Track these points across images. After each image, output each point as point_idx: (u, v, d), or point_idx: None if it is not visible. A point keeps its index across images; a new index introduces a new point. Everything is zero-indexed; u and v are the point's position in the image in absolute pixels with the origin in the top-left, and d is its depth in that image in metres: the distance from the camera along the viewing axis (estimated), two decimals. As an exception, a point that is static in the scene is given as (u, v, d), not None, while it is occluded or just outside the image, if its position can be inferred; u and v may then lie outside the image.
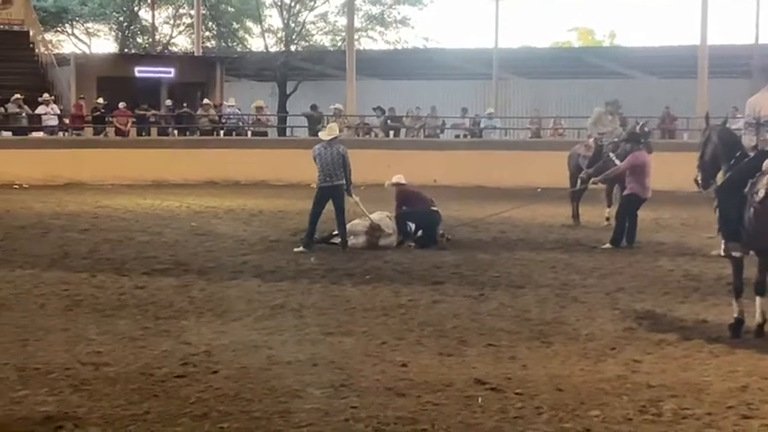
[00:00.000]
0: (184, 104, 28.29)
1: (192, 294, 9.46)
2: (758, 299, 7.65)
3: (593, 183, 14.92)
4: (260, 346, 7.28)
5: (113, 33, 43.32)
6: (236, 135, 27.26)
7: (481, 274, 10.77)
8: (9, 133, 25.53)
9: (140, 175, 23.57)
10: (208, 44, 40.94)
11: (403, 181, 13.62)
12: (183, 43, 43.06)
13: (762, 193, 7.36)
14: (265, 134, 27.61)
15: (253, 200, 19.81)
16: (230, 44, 41.40)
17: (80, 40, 43.69)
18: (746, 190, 7.57)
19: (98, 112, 26.73)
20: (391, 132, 28.31)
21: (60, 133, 26.41)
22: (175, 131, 27.79)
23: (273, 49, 38.72)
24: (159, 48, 41.09)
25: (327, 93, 32.25)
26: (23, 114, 25.73)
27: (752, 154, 7.92)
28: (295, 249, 12.48)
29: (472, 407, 5.80)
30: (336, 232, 12.86)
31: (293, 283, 10.08)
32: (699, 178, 8.42)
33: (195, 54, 36.57)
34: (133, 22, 42.99)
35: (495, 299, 9.32)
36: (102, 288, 9.76)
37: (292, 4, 38.16)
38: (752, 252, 7.83)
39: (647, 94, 30.34)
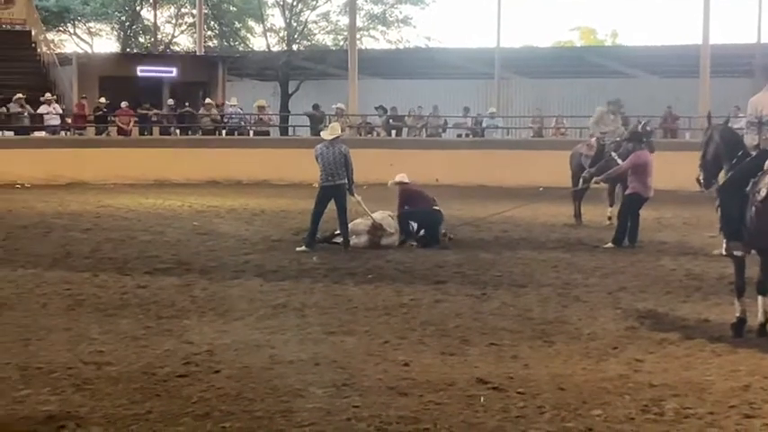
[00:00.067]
0: (186, 104, 28.28)
1: (195, 294, 9.46)
2: (760, 298, 7.64)
3: (596, 182, 14.92)
4: (262, 346, 7.29)
5: (115, 33, 43.32)
6: (239, 134, 27.26)
7: (483, 274, 10.77)
8: (11, 133, 25.54)
9: (142, 174, 23.58)
10: (210, 43, 40.95)
11: (406, 180, 13.62)
12: (185, 43, 43.13)
13: (763, 193, 7.36)
14: (267, 134, 27.62)
15: (255, 199, 19.81)
16: (232, 43, 41.38)
17: (82, 39, 43.74)
18: (748, 189, 7.57)
19: (100, 112, 26.75)
20: (393, 132, 28.33)
21: (62, 133, 26.41)
22: (177, 131, 27.78)
23: (275, 49, 38.69)
24: (161, 47, 41.10)
25: (329, 92, 32.26)
26: (25, 114, 25.72)
27: (754, 153, 7.92)
28: (297, 249, 12.49)
29: (474, 406, 5.80)
30: (338, 232, 12.86)
31: (295, 283, 10.08)
32: (701, 177, 8.42)
33: (197, 53, 36.58)
34: (135, 22, 43.00)
35: (497, 298, 9.33)
36: (104, 287, 9.77)
37: (294, 4, 38.14)
38: (754, 251, 7.83)
39: (649, 94, 30.31)
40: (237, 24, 41.65)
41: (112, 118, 26.45)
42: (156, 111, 28.43)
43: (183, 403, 5.81)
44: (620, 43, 48.53)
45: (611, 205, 15.13)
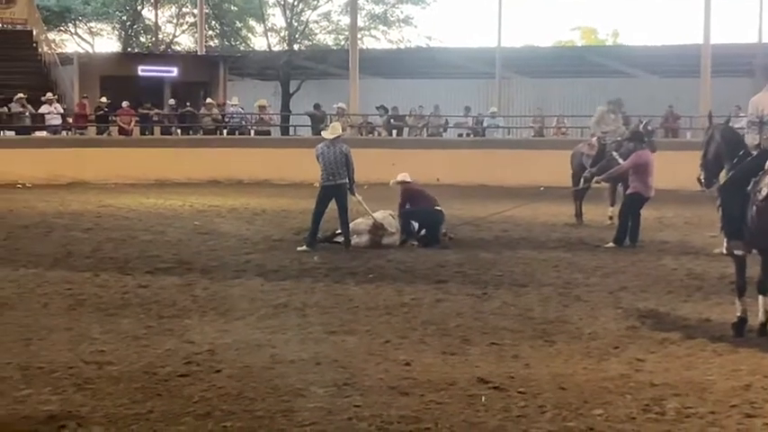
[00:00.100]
0: (187, 103, 28.30)
1: (196, 293, 9.46)
2: (761, 298, 7.63)
3: (597, 182, 14.91)
4: (263, 345, 7.29)
5: (116, 32, 43.34)
6: (239, 134, 27.29)
7: (484, 273, 10.77)
8: (12, 133, 25.59)
9: (143, 174, 23.59)
10: (211, 43, 40.99)
11: (408, 179, 13.61)
12: (186, 42, 43.15)
13: (764, 192, 7.36)
14: (268, 133, 27.63)
15: (256, 199, 19.81)
16: (233, 43, 41.41)
17: (83, 39, 43.78)
18: (749, 188, 7.57)
19: (101, 112, 26.75)
20: (394, 131, 28.33)
21: (63, 132, 26.41)
22: (178, 130, 27.80)
23: (276, 48, 38.72)
24: (162, 47, 41.13)
25: (330, 92, 32.27)
26: (26, 114, 25.72)
27: (755, 153, 7.92)
28: (298, 248, 12.49)
29: (475, 406, 5.80)
30: (339, 231, 12.86)
31: (296, 282, 10.08)
32: (702, 177, 8.42)
33: (198, 53, 36.62)
34: (136, 22, 43.02)
35: (497, 298, 9.32)
36: (105, 287, 9.77)
37: (295, 3, 38.15)
38: (755, 251, 7.83)
39: (649, 93, 30.30)
40: (238, 24, 41.70)
41: (113, 118, 26.46)
42: (157, 110, 28.43)
43: (184, 403, 5.81)
44: (621, 43, 48.51)
45: (612, 205, 15.13)
